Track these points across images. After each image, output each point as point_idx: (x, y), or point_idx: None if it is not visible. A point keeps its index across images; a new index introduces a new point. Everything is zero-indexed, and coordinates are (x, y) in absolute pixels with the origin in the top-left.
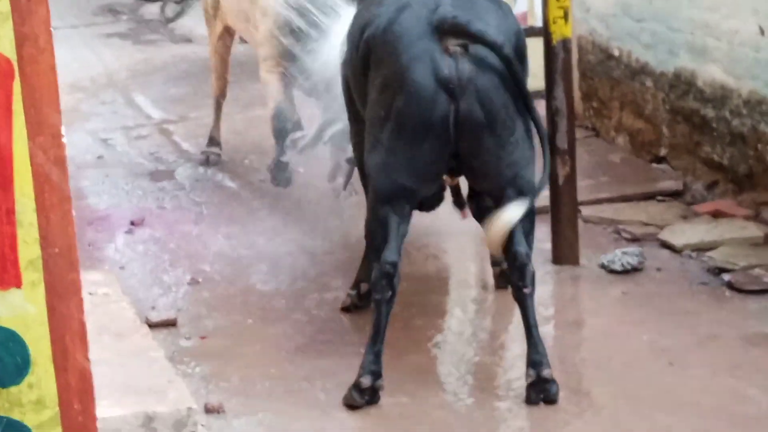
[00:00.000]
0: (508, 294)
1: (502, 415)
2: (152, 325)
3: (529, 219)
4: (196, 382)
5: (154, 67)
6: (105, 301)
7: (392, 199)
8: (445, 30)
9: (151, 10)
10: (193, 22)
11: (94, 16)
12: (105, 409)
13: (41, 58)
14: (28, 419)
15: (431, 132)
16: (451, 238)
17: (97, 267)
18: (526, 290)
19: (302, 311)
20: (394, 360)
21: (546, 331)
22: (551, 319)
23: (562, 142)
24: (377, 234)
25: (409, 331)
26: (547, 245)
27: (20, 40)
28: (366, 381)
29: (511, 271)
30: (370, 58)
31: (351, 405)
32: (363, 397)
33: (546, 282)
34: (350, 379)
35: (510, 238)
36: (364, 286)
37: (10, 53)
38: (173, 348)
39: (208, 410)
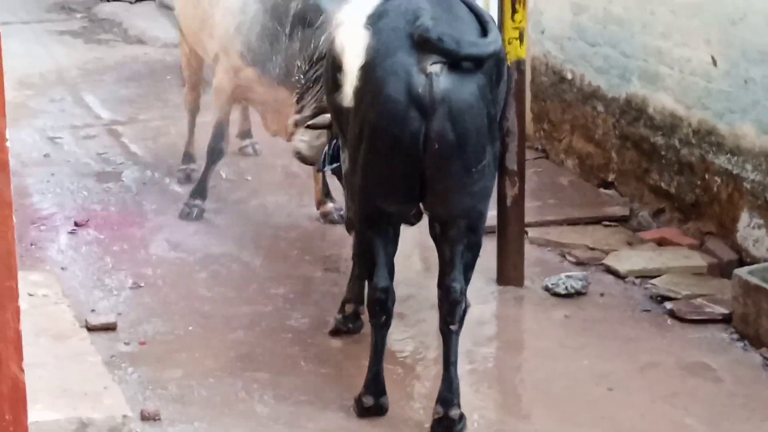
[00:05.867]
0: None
1: None
2: (91, 329)
3: (472, 252)
4: (134, 388)
5: (106, 67)
6: (44, 303)
7: (375, 223)
8: (425, 46)
9: (105, 9)
10: (146, 23)
11: (47, 12)
12: (39, 412)
13: None
14: None
15: (402, 150)
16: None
17: (39, 267)
18: (453, 327)
19: (243, 321)
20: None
21: (487, 351)
22: (493, 339)
23: (511, 162)
24: (365, 258)
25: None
26: (493, 264)
27: None
28: (368, 401)
29: (441, 305)
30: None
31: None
32: (367, 414)
33: (489, 302)
34: (288, 393)
35: (447, 271)
36: (348, 308)
37: None
38: (111, 352)
39: (144, 417)
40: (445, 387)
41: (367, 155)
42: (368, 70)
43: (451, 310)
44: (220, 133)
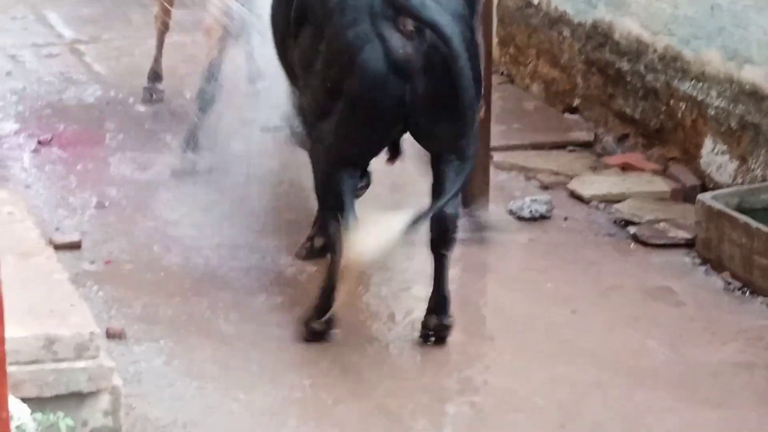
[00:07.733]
0: None
1: (402, 356)
2: (56, 247)
3: (462, 177)
4: (99, 306)
5: None
6: (10, 220)
7: (344, 166)
8: (395, 8)
9: None
10: None
11: None
12: (6, 329)
13: None
14: None
15: (385, 114)
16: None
17: (2, 185)
18: (446, 253)
19: (209, 241)
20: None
21: (452, 273)
22: (457, 261)
23: None
24: (330, 197)
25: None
26: None
27: None
28: (318, 326)
29: (433, 230)
30: (304, 19)
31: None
32: (316, 338)
33: None
34: (254, 313)
35: (442, 197)
36: (318, 241)
37: None
38: (76, 271)
39: (110, 335)
40: (439, 300)
41: (343, 120)
42: (337, 31)
43: (445, 238)
44: (210, 75)
